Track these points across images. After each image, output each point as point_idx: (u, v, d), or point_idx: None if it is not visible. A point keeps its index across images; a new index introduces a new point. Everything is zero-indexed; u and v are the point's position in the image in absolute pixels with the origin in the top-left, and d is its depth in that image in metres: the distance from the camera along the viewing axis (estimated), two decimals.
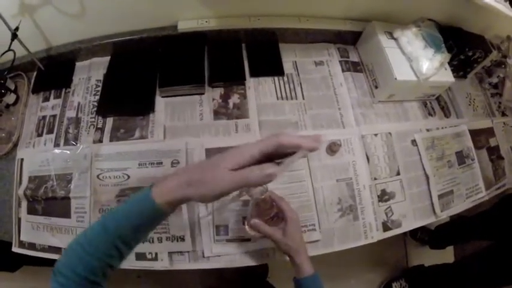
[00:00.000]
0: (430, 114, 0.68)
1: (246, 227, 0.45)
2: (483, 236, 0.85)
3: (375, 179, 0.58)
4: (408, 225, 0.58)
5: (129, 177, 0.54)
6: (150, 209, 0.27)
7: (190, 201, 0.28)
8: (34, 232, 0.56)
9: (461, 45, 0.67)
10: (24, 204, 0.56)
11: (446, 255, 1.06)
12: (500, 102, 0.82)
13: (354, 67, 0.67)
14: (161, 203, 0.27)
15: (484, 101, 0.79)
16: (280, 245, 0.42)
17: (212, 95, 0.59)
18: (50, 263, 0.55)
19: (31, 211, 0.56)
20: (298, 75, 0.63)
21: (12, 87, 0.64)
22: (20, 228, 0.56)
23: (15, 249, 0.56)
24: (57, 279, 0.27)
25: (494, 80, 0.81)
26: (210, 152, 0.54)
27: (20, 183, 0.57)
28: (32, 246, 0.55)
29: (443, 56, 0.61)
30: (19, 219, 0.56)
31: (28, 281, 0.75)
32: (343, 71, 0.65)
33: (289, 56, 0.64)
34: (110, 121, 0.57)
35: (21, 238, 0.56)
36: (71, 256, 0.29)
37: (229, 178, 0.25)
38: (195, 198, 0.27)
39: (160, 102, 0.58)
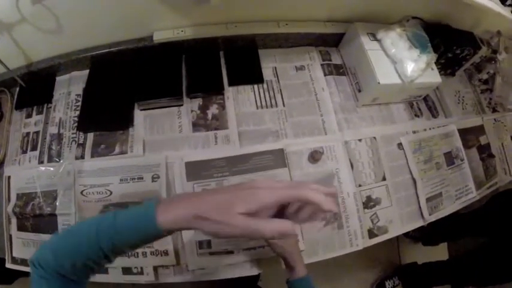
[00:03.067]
0: (416, 115, 0.63)
1: None
2: (476, 233, 0.82)
3: (360, 185, 0.54)
4: (395, 231, 0.55)
5: (111, 193, 0.52)
6: (152, 232, 0.25)
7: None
8: (25, 248, 0.55)
9: (449, 43, 0.62)
10: (14, 221, 0.55)
11: (440, 253, 1.02)
12: (490, 98, 0.77)
13: (337, 70, 0.62)
14: (164, 229, 0.25)
15: (474, 98, 0.74)
16: (275, 247, 0.41)
17: (191, 106, 0.55)
18: None
19: (21, 228, 0.55)
20: (279, 81, 0.59)
21: None
22: (11, 244, 0.55)
23: (9, 265, 0.55)
24: (38, 272, 0.26)
25: (484, 76, 0.76)
26: (190, 166, 0.51)
27: (9, 200, 0.56)
28: (24, 262, 0.54)
29: (429, 57, 0.56)
30: (10, 236, 0.55)
31: None
32: (325, 74, 0.61)
33: (269, 62, 0.60)
34: (90, 137, 0.55)
35: (14, 254, 0.55)
36: (54, 252, 0.27)
37: (242, 226, 0.23)
38: (201, 231, 0.25)
39: (139, 115, 0.55)
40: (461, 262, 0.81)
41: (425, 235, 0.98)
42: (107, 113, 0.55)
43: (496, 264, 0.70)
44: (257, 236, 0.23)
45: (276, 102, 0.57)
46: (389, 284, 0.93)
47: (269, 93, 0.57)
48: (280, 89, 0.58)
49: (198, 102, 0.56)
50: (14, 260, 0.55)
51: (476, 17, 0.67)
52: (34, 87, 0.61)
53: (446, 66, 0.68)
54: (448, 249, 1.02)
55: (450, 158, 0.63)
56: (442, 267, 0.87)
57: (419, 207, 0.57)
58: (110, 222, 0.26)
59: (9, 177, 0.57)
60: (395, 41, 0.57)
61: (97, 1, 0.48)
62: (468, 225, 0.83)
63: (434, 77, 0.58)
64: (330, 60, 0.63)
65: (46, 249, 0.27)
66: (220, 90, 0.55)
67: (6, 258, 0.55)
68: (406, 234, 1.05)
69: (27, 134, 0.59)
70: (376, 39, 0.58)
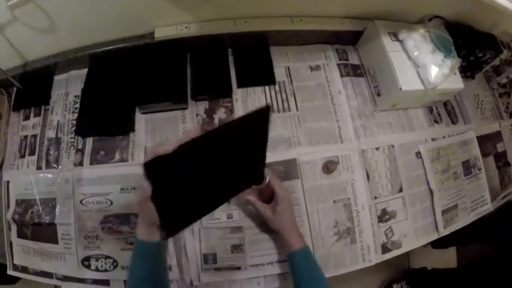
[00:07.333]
0: (436, 121, 0.55)
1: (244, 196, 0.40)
2: (486, 240, 0.75)
3: (375, 197, 0.47)
4: (409, 245, 0.48)
5: (112, 203, 0.45)
6: (142, 247, 0.32)
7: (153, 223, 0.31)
8: (25, 256, 0.49)
9: (472, 46, 0.54)
10: (13, 228, 0.49)
11: (449, 259, 0.94)
12: (508, 103, 0.68)
13: (354, 71, 0.54)
14: (145, 241, 0.31)
15: (492, 102, 0.66)
16: (270, 222, 0.40)
17: (196, 110, 0.48)
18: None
19: (21, 235, 0.49)
20: (292, 82, 0.51)
21: None
22: (12, 251, 0.49)
23: (10, 272, 0.50)
24: None
25: (503, 79, 0.67)
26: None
27: (8, 206, 0.50)
28: (24, 269, 0.49)
29: (454, 62, 0.48)
30: (11, 243, 0.49)
31: None
32: (341, 76, 0.52)
33: (282, 61, 0.52)
34: (89, 142, 0.48)
35: (14, 261, 0.49)
36: None
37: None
38: (146, 222, 0.31)
39: (140, 119, 0.48)
40: (471, 271, 0.75)
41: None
42: (106, 116, 0.48)
43: (506, 275, 0.64)
44: None
45: (288, 106, 0.48)
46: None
47: (281, 95, 0.49)
48: (294, 91, 0.50)
49: (204, 105, 0.48)
50: (15, 267, 0.49)
51: (496, 17, 0.58)
52: (31, 87, 0.53)
53: (467, 69, 0.59)
54: (456, 255, 0.96)
55: (468, 168, 0.56)
56: (452, 274, 0.81)
57: (435, 220, 0.50)
58: (130, 273, 0.33)
59: (7, 182, 0.50)
60: (419, 44, 0.48)
61: None
62: (479, 232, 0.76)
63: (457, 82, 0.50)
64: (347, 59, 0.54)
65: None
66: (228, 93, 0.47)
67: (8, 264, 0.50)
68: None
69: (25, 137, 0.52)
70: (397, 40, 0.49)
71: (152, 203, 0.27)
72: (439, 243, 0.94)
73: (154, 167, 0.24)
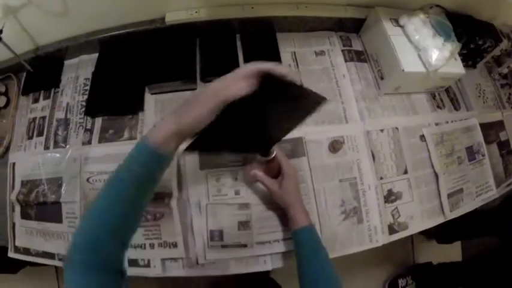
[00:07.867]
0: (439, 106, 0.57)
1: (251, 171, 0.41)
2: (491, 232, 0.75)
3: (381, 178, 0.48)
4: (415, 228, 0.48)
5: None
6: (149, 154, 0.27)
7: (182, 135, 0.27)
8: (28, 237, 0.49)
9: (471, 34, 0.56)
10: (17, 209, 0.50)
11: (454, 253, 0.94)
12: (510, 94, 0.70)
13: (358, 56, 0.55)
14: (157, 147, 0.26)
15: (494, 92, 0.67)
16: (276, 196, 0.40)
17: None
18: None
19: (24, 216, 0.49)
20: (298, 66, 0.52)
21: (3, 89, 0.56)
22: (14, 233, 0.49)
23: (11, 254, 0.50)
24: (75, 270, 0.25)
25: (504, 70, 0.69)
26: (203, 153, 0.45)
27: (13, 187, 0.50)
28: (26, 251, 0.49)
29: (454, 46, 0.50)
30: (14, 224, 0.50)
31: (31, 281, 0.69)
32: (346, 61, 0.54)
33: (288, 46, 0.54)
34: (98, 121, 0.49)
35: (16, 243, 0.49)
36: (82, 243, 0.26)
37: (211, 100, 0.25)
38: (184, 124, 0.26)
39: (149, 99, 0.49)
40: (477, 264, 0.74)
41: (440, 232, 0.91)
42: (116, 96, 0.49)
43: (510, 268, 0.63)
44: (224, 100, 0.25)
45: None
46: (402, 283, 0.86)
47: None
48: (300, 75, 0.51)
49: None
50: (17, 249, 0.49)
51: (496, 8, 0.61)
52: (41, 71, 0.55)
53: (468, 57, 0.61)
54: (461, 249, 0.95)
55: (471, 153, 0.57)
56: (458, 268, 0.80)
57: (441, 203, 0.51)
58: (113, 176, 0.28)
59: (13, 164, 0.51)
60: (419, 28, 0.50)
61: None
62: (483, 225, 0.76)
63: (457, 67, 0.52)
64: (351, 46, 0.56)
65: (74, 246, 0.26)
66: None
67: (9, 247, 0.50)
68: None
69: (34, 119, 0.53)
70: (398, 25, 0.51)
71: (223, 108, 0.24)
72: (444, 238, 0.94)
73: (270, 82, 0.23)
